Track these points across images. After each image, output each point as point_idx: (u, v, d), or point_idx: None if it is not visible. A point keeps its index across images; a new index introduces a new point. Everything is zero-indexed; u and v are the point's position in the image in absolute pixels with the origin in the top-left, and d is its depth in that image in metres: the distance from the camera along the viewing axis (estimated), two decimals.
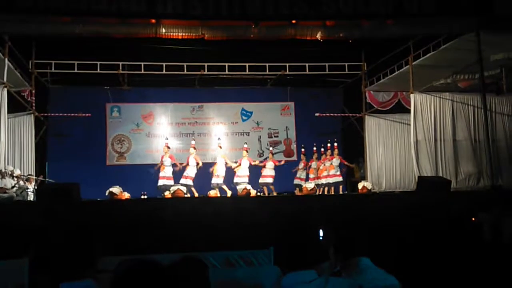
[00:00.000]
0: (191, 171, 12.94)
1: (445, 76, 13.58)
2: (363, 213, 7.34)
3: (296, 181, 15.01)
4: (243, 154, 13.83)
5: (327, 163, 14.67)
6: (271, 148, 15.74)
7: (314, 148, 15.20)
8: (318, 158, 15.14)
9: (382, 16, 11.54)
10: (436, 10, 11.32)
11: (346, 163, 15.06)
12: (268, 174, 14.06)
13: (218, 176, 13.13)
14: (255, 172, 13.97)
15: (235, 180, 13.37)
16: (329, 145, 14.88)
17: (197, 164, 13.04)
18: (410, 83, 13.77)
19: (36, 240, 6.20)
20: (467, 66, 12.44)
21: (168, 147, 13.36)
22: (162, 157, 13.22)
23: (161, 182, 12.85)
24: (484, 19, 11.09)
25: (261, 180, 14.07)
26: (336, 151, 14.70)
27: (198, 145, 14.96)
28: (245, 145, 14.40)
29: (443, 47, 12.20)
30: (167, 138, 14.82)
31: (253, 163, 13.78)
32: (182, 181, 12.81)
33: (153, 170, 13.46)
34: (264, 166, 14.18)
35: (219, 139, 14.97)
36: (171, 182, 12.82)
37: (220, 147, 14.02)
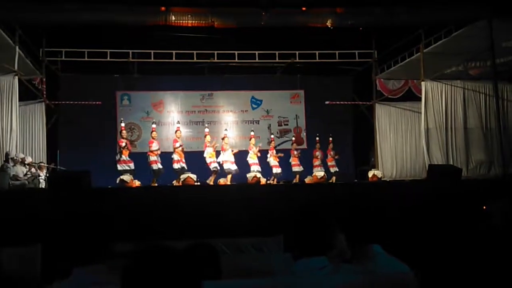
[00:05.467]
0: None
1: (456, 63, 13.48)
2: (373, 201, 7.33)
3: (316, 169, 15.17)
4: (252, 142, 14.09)
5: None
6: (294, 138, 16.03)
7: (330, 138, 15.38)
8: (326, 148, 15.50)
9: (392, 3, 11.45)
10: None
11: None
12: (298, 162, 14.71)
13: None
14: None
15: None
16: (330, 138, 15.51)
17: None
18: (421, 70, 13.66)
19: (48, 226, 6.25)
20: (479, 53, 12.33)
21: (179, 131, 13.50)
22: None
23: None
24: (496, 5, 10.97)
25: (294, 169, 14.68)
26: (330, 145, 15.46)
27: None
28: (252, 133, 14.81)
29: (454, 34, 12.09)
30: (178, 122, 14.85)
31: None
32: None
33: None
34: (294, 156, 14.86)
35: (226, 130, 15.02)
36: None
37: (226, 136, 14.05)
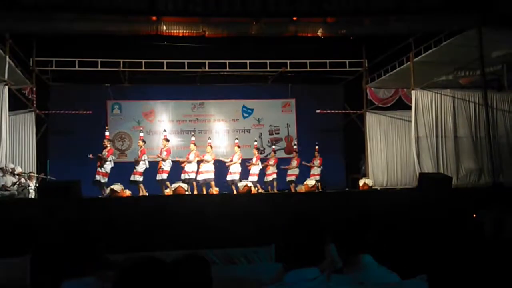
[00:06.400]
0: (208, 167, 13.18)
1: (446, 72, 13.55)
2: (364, 210, 7.33)
3: (289, 178, 14.93)
4: (235, 150, 13.99)
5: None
6: (274, 147, 15.94)
7: (317, 147, 15.31)
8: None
9: (383, 12, 11.51)
10: (438, 6, 11.30)
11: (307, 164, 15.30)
12: (273, 171, 14.51)
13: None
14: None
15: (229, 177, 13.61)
16: (317, 147, 15.30)
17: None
18: (411, 79, 13.75)
19: (37, 237, 6.20)
20: (469, 62, 12.42)
21: (167, 140, 13.37)
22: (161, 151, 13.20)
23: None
24: (486, 15, 11.07)
25: (266, 179, 14.52)
26: (316, 153, 15.23)
27: (199, 142, 14.89)
28: (236, 141, 14.59)
29: (444, 43, 12.17)
30: (165, 131, 14.74)
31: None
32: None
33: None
34: (268, 165, 14.62)
35: (209, 138, 14.89)
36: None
37: (210, 145, 13.89)
